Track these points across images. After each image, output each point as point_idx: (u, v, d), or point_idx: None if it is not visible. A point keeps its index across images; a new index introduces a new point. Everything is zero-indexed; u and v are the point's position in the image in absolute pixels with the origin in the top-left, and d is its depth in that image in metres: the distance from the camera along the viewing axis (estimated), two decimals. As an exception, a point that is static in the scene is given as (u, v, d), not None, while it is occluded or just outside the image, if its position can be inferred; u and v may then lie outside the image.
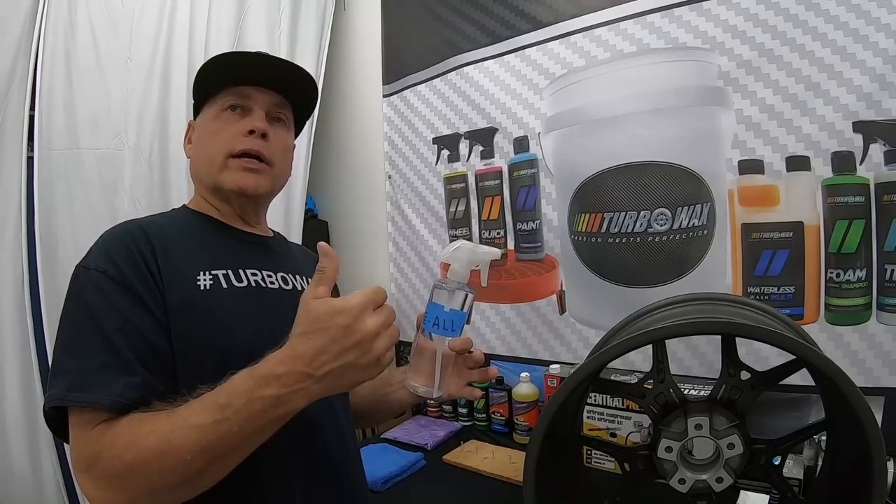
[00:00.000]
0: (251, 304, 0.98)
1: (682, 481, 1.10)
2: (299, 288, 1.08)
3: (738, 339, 1.07)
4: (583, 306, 1.92)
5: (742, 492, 1.43)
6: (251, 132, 1.04)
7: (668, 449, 1.10)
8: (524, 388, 1.88)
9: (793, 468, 1.43)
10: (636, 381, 1.15)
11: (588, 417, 1.74)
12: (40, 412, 0.89)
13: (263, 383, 0.75)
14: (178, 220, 1.04)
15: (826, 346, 1.49)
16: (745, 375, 1.07)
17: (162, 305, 0.89)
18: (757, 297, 1.57)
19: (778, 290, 1.54)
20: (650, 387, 1.15)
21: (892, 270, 1.40)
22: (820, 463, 1.34)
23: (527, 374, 1.90)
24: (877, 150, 1.40)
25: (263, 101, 1.07)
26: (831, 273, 1.47)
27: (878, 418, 1.42)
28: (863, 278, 1.43)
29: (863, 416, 0.85)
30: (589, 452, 1.69)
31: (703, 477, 1.09)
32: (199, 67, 1.08)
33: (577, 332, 1.91)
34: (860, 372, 1.47)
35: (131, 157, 1.97)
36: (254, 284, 1.01)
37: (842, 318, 1.47)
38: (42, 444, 1.82)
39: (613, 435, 1.70)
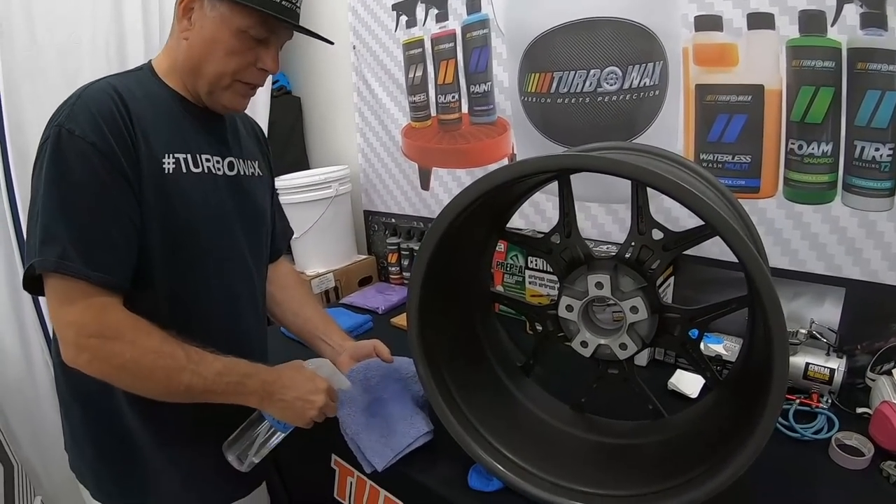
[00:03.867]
0: (203, 191, 1.00)
1: (584, 344, 1.00)
2: (242, 174, 1.10)
3: (655, 202, 0.91)
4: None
5: (678, 371, 1.31)
6: (263, 70, 1.00)
7: (569, 308, 0.99)
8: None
9: (736, 353, 1.31)
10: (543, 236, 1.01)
11: (530, 283, 1.62)
12: (23, 291, 0.92)
13: (250, 381, 0.96)
14: (149, 91, 0.97)
15: (783, 225, 1.35)
16: (657, 235, 0.92)
17: (138, 185, 0.90)
18: (709, 165, 1.39)
19: (732, 158, 1.38)
20: (558, 242, 1.01)
21: (863, 148, 1.20)
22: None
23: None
24: (852, 11, 1.16)
25: (281, 39, 1.01)
26: (792, 144, 1.28)
27: (837, 312, 1.29)
28: (828, 153, 1.25)
29: (763, 292, 0.71)
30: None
31: (605, 341, 0.97)
32: None
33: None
34: (820, 257, 1.32)
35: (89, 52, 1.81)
36: (206, 171, 1.01)
37: (802, 196, 1.30)
38: (29, 328, 1.78)
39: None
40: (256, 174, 1.15)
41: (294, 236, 1.44)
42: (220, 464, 1.01)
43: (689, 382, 1.27)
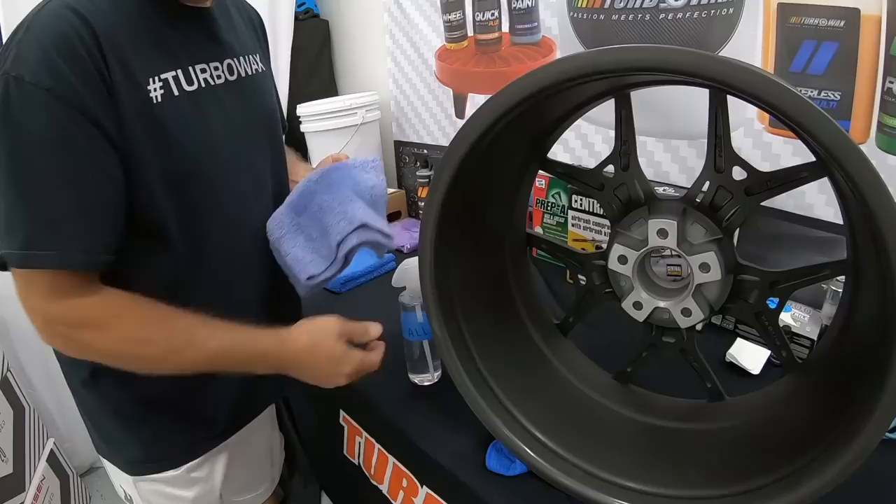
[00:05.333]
0: (203, 114, 0.82)
1: (637, 305, 0.78)
2: (244, 74, 0.91)
3: (735, 125, 0.67)
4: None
5: (739, 340, 1.08)
6: None
7: (622, 259, 0.76)
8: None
9: (807, 324, 1.06)
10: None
11: (573, 225, 1.39)
12: None
13: (259, 363, 0.83)
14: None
15: None
16: (739, 175, 0.68)
17: (118, 128, 0.71)
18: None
19: (818, 94, 1.10)
20: (612, 176, 0.78)
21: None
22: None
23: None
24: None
25: None
26: (891, 83, 1.00)
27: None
28: (935, 96, 0.97)
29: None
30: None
31: (664, 304, 0.75)
32: None
33: (575, 128, 1.48)
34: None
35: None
36: (203, 84, 0.83)
37: None
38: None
39: (600, 248, 1.36)
40: (259, 70, 0.97)
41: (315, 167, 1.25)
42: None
43: (750, 356, 1.05)
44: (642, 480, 0.76)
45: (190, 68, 0.80)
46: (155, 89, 0.75)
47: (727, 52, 1.19)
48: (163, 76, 0.76)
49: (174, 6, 0.79)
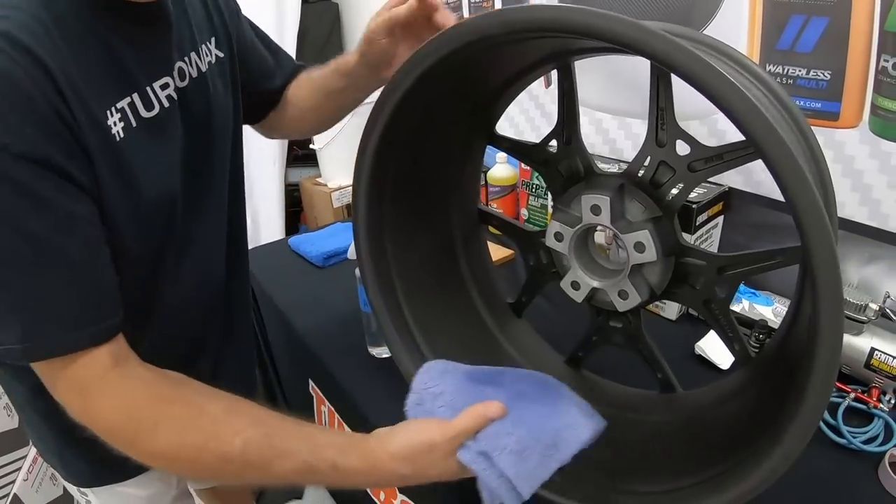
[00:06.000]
0: (165, 140, 0.70)
1: (575, 285, 0.74)
2: (195, 75, 0.76)
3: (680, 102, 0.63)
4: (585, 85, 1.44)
5: (711, 333, 1.03)
6: None
7: (559, 236, 0.73)
8: (500, 169, 1.50)
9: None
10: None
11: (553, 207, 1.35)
12: None
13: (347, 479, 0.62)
14: (51, 10, 0.57)
15: (865, 166, 0.99)
16: (683, 150, 0.64)
17: (91, 174, 0.59)
18: (778, 80, 1.04)
19: (807, 72, 1.02)
20: (556, 151, 0.75)
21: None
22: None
23: (503, 154, 1.50)
24: None
25: None
26: (885, 62, 0.91)
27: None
28: (932, 77, 0.88)
29: (811, 235, 0.45)
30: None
31: (600, 284, 0.72)
32: None
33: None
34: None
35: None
36: (166, 104, 0.69)
37: (893, 130, 0.94)
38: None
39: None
40: (213, 61, 0.81)
41: (318, 146, 1.20)
42: None
43: (720, 349, 0.99)
44: (575, 479, 0.70)
45: (147, 88, 0.67)
46: (115, 123, 0.61)
47: (712, 28, 1.12)
48: (119, 104, 0.62)
49: (116, 4, 0.62)
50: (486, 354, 0.88)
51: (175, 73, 0.71)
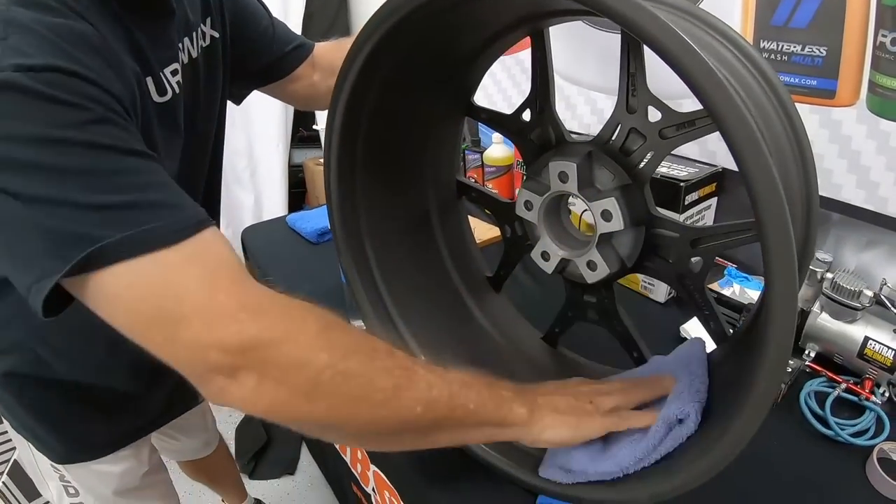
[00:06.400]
0: (174, 127, 0.70)
1: (545, 255, 0.72)
2: (194, 55, 0.75)
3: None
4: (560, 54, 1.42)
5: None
6: None
7: (528, 205, 0.71)
8: (496, 150, 1.48)
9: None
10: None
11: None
12: None
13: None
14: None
15: (863, 147, 0.95)
16: (654, 117, 0.62)
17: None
18: (772, 57, 1.02)
19: (802, 48, 0.98)
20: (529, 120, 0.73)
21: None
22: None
23: (499, 135, 1.47)
24: None
25: None
26: (884, 37, 0.87)
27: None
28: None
29: (759, 195, 0.42)
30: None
31: (568, 255, 0.70)
32: None
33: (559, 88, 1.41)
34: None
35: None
36: (177, 90, 0.69)
37: (892, 108, 0.89)
38: None
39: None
40: (207, 44, 0.79)
41: (322, 127, 1.18)
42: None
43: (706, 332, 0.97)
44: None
45: (160, 74, 0.65)
46: (151, 87, 0.63)
47: (703, 2, 1.10)
48: (142, 86, 0.62)
49: None
50: (461, 329, 0.87)
51: (180, 59, 0.70)
